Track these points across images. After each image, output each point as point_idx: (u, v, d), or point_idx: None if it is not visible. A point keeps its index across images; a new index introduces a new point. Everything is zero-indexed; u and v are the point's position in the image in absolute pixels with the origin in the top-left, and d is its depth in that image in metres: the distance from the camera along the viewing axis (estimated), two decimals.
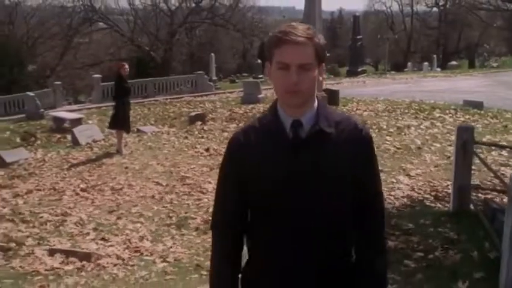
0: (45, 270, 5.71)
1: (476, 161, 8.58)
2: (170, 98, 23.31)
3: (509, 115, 15.50)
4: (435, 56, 44.90)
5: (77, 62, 36.08)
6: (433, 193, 8.39)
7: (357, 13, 44.88)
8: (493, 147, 10.87)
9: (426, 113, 15.81)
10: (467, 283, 5.00)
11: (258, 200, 2.14)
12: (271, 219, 2.12)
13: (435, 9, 54.63)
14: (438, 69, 41.25)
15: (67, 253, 6.15)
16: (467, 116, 15.06)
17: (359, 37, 37.08)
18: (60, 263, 5.91)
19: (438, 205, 7.78)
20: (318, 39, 2.05)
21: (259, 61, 37.49)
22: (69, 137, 14.45)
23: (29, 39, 37.59)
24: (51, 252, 6.22)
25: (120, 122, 12.35)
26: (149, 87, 27.66)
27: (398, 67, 44.97)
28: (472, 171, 8.15)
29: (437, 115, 15.34)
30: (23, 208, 8.87)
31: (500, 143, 11.20)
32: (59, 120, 16.15)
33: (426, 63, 41.78)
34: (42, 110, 18.94)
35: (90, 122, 16.49)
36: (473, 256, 5.65)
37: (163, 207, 8.54)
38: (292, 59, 1.98)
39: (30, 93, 19.51)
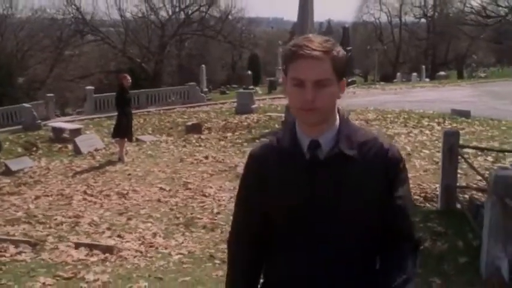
0: (73, 261, 6.39)
1: (464, 166, 9.42)
2: (163, 109, 24.00)
3: (496, 123, 16.37)
4: (424, 66, 46.09)
5: (67, 74, 36.67)
6: (422, 194, 9.15)
7: (347, 24, 45.93)
8: (479, 153, 11.74)
9: (415, 121, 16.64)
10: (453, 266, 5.76)
11: (276, 223, 2.06)
12: (289, 244, 2.03)
13: (423, 20, 55.87)
14: (427, 79, 42.34)
15: (91, 246, 6.85)
16: (455, 124, 15.87)
17: (348, 48, 38.02)
18: (85, 255, 6.59)
19: (428, 205, 8.54)
20: (336, 53, 1.92)
21: (249, 72, 38.30)
22: (70, 146, 15.12)
23: (18, 52, 38.15)
24: (76, 246, 6.91)
25: (123, 130, 13.06)
26: (142, 98, 28.33)
27: (387, 78, 45.93)
28: (460, 175, 8.98)
29: (426, 123, 16.17)
30: (36, 212, 9.50)
31: (487, 147, 12.01)
32: (58, 131, 16.80)
33: (415, 74, 42.83)
34: (39, 121, 19.58)
35: (88, 132, 17.14)
36: (458, 245, 6.42)
37: (170, 209, 9.22)
38: (307, 74, 1.87)
39: (27, 105, 20.17)
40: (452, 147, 7.76)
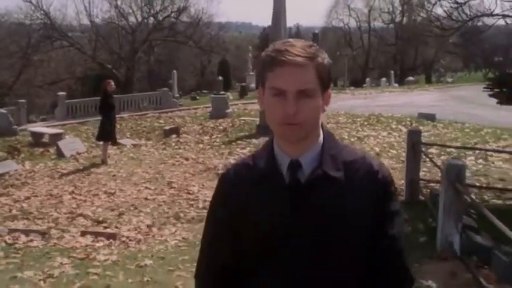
0: (81, 246, 7.37)
1: (428, 164, 10.65)
2: (136, 115, 24.86)
3: (459, 126, 17.77)
4: (392, 72, 47.75)
5: (36, 80, 37.19)
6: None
7: (316, 30, 47.27)
8: (442, 153, 13.06)
9: (384, 124, 17.94)
10: (414, 244, 6.92)
11: (250, 255, 1.85)
12: (264, 280, 1.82)
13: (392, 25, 57.64)
14: (396, 84, 43.99)
15: (95, 234, 7.84)
16: (421, 127, 17.19)
17: None
18: (91, 241, 7.58)
19: None
20: (321, 59, 1.75)
21: (220, 78, 39.29)
22: (52, 150, 15.96)
23: None
24: (82, 234, 7.89)
25: (107, 134, 14.02)
26: (115, 104, 29.08)
27: (357, 83, 47.41)
28: (424, 172, 10.22)
29: (394, 126, 17.47)
30: (30, 209, 10.38)
31: (445, 144, 13.33)
32: (37, 135, 17.60)
33: (384, 79, 44.46)
34: (15, 126, 20.27)
35: (67, 137, 17.97)
36: (419, 228, 7.61)
37: (158, 205, 10.23)
38: (288, 84, 1.68)
39: (3, 110, 20.81)
40: (415, 145, 8.96)
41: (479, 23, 20.41)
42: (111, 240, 7.59)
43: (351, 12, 59.86)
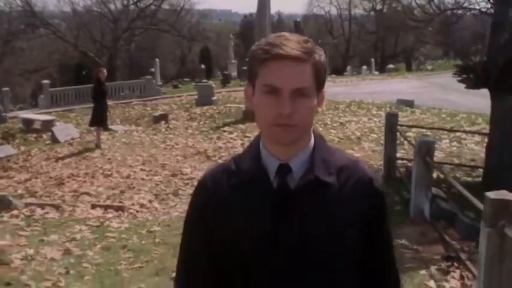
0: (94, 217, 8.36)
1: (406, 147, 11.77)
2: (121, 103, 25.70)
3: (436, 112, 18.94)
4: (373, 60, 49.03)
5: (17, 68, 37.74)
6: (370, 169, 11.46)
7: (298, 18, 48.34)
8: (420, 136, 14.20)
9: (364, 110, 19.05)
10: (390, 213, 8.03)
11: (233, 272, 1.71)
12: None
13: (372, 13, 58.83)
14: (377, 72, 45.26)
15: (105, 207, 8.84)
16: (400, 112, 18.32)
17: None
18: (102, 213, 8.58)
19: None
20: (318, 56, 1.64)
21: (202, 66, 40.22)
22: (45, 136, 16.86)
23: None
24: (92, 207, 8.89)
25: (99, 119, 14.97)
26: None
27: (338, 71, 48.48)
28: (402, 154, 11.32)
29: (374, 112, 18.58)
30: (35, 189, 11.33)
31: (421, 125, 14.48)
32: (29, 122, 18.47)
33: (365, 67, 45.69)
34: (4, 114, 21.10)
35: (57, 124, 18.83)
36: (395, 199, 8.72)
37: (155, 184, 11.21)
38: (284, 81, 1.56)
39: None
40: (392, 126, 10.06)
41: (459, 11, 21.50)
42: (120, 212, 8.60)
43: (332, 0, 61.03)
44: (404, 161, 11.01)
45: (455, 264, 6.08)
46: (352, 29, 59.89)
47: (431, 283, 5.62)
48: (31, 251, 6.58)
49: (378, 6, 57.55)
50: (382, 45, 56.48)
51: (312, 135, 1.72)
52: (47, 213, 8.65)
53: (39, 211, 8.69)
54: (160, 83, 35.92)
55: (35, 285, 5.56)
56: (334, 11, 61.90)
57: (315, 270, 1.65)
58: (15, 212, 8.65)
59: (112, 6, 41.58)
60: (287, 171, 1.65)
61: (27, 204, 9.05)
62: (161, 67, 39.22)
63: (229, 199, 1.69)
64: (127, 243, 6.91)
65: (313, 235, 1.63)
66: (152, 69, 37.17)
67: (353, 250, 1.69)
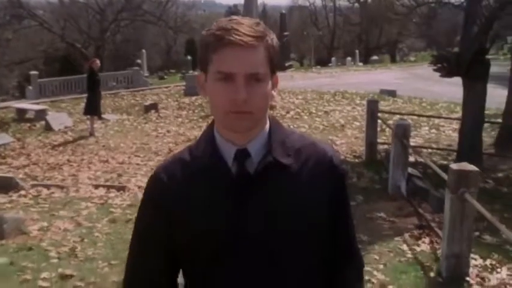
0: (97, 196, 9.10)
1: (387, 133, 12.59)
2: (111, 93, 26.32)
3: (417, 101, 19.87)
4: (357, 51, 49.93)
5: (2, 59, 38.03)
6: (353, 154, 12.27)
7: (283, 10, 49.00)
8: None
9: (348, 100, 19.93)
10: (371, 190, 8.87)
11: (191, 267, 1.69)
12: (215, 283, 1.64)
13: (356, 5, 59.67)
14: (361, 63, 46.16)
15: (107, 187, 9.57)
16: (382, 102, 19.21)
17: (286, 33, 41.07)
18: (105, 193, 9.31)
19: (356, 160, 11.66)
20: (270, 40, 1.59)
21: (189, 57, 40.79)
22: (38, 125, 17.52)
23: None
24: (95, 187, 9.63)
25: (94, 108, 15.67)
26: (85, 83, 30.43)
27: (323, 62, 49.27)
28: (384, 140, 12.12)
29: (358, 101, 19.44)
30: (35, 174, 12.00)
31: (401, 112, 15.34)
32: (22, 112, 19.11)
33: (349, 58, 46.53)
34: None
35: (49, 113, 19.48)
36: (375, 179, 9.57)
37: (151, 169, 11.91)
38: (238, 66, 1.52)
39: None
40: (372, 112, 10.88)
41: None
42: (121, 191, 9.34)
43: None
44: (385, 146, 11.83)
45: (426, 231, 6.93)
46: (337, 21, 60.72)
47: (404, 247, 6.46)
48: (45, 224, 7.34)
49: None
50: (366, 37, 57.33)
51: (268, 118, 1.68)
52: (52, 193, 9.36)
53: (45, 191, 9.40)
54: (147, 74, 36.51)
55: (54, 250, 6.32)
56: (319, 3, 62.95)
57: (278, 256, 1.60)
58: (22, 192, 9.36)
59: None
60: (245, 156, 1.61)
61: (33, 185, 9.77)
62: (147, 58, 39.76)
63: (185, 191, 1.63)
64: (131, 217, 7.64)
65: (275, 218, 1.59)
66: (138, 61, 37.70)
67: (316, 231, 1.66)
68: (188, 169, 1.65)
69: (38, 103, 24.36)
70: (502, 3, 9.80)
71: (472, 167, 5.50)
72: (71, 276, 5.65)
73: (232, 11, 65.73)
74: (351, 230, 1.82)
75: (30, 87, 29.70)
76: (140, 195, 8.88)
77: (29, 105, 21.02)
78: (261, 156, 1.61)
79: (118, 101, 22.48)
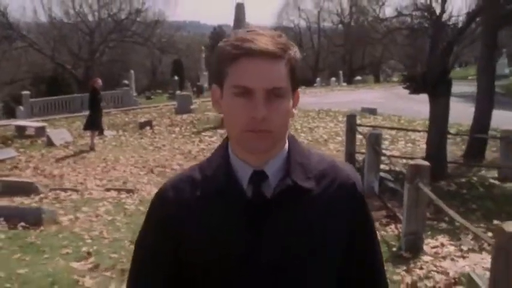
0: (110, 197, 10.62)
1: (364, 143, 14.21)
2: (104, 112, 27.74)
3: (396, 119, 21.60)
4: (341, 72, 51.86)
5: None
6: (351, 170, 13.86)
7: None
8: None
9: (332, 117, 21.62)
10: None
11: None
12: None
13: (340, 26, 61.82)
14: (345, 84, 48.03)
15: (117, 190, 11.09)
16: (363, 119, 20.89)
17: None
18: (116, 195, 10.83)
19: None
20: (293, 53, 1.50)
21: (176, 78, 42.36)
22: (39, 141, 18.98)
23: None
24: (107, 190, 11.14)
25: (95, 124, 17.22)
26: (76, 103, 31.84)
27: (308, 82, 50.89)
28: (363, 151, 13.71)
29: (340, 119, 21.08)
30: (45, 182, 13.39)
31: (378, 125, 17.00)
32: (21, 129, 20.57)
33: (333, 79, 48.42)
34: None
35: (48, 130, 20.94)
36: None
37: (151, 177, 13.47)
38: (257, 80, 1.43)
39: None
40: (351, 125, 12.54)
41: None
42: (131, 193, 10.86)
43: (301, 13, 64.05)
44: (363, 155, 13.43)
45: (392, 221, 8.54)
46: (321, 42, 62.73)
47: None
48: (72, 216, 8.86)
49: (347, 20, 60.59)
50: (350, 58, 59.34)
51: (286, 139, 1.59)
52: (70, 195, 10.86)
53: (63, 194, 10.90)
54: (135, 94, 38.02)
55: (86, 234, 7.84)
56: (303, 24, 64.95)
57: (294, 284, 1.53)
58: (42, 195, 10.85)
59: (90, 17, 43.59)
60: (262, 178, 1.52)
61: (51, 189, 11.28)
62: (134, 78, 41.30)
63: (196, 214, 1.55)
64: (145, 211, 9.14)
65: (292, 246, 1.51)
66: (125, 81, 39.15)
67: (335, 261, 1.58)
68: (199, 190, 1.56)
69: (32, 122, 25.84)
70: (461, 28, 11.54)
71: (425, 163, 7.14)
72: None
73: (217, 31, 67.61)
74: (379, 260, 1.74)
75: (21, 107, 31.08)
76: (148, 198, 10.43)
77: (28, 122, 22.49)
78: (279, 179, 1.53)
79: (112, 118, 24.01)
